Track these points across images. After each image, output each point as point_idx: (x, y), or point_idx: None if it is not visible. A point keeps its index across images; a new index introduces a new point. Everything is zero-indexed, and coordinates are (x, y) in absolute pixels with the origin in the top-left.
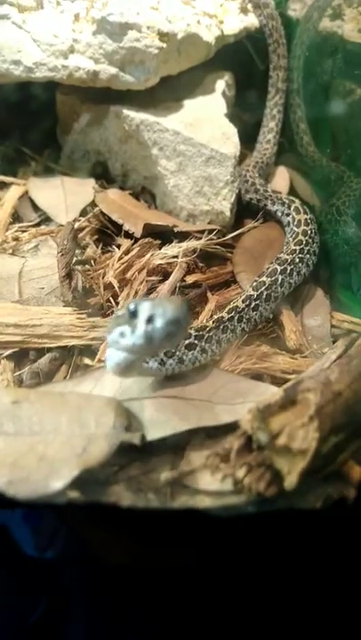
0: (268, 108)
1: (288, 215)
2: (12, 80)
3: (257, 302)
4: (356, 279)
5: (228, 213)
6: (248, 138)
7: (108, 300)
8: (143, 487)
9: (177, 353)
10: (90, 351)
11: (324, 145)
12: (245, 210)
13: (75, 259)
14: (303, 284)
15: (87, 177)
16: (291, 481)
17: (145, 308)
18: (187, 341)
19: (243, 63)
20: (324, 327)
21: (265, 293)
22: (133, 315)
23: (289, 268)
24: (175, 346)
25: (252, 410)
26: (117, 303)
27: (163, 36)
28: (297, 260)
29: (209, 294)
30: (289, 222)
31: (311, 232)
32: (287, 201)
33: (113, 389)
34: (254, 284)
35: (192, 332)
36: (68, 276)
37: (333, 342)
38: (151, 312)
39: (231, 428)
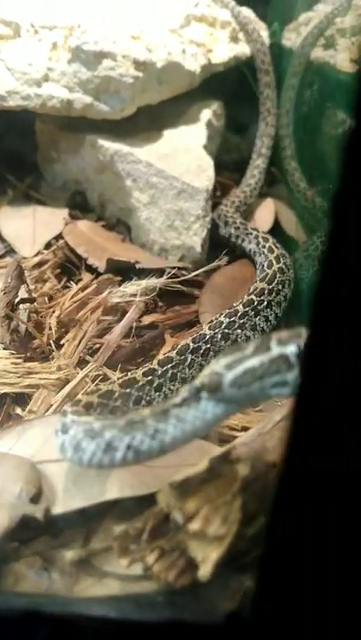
0: (249, 169)
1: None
2: None
3: (160, 381)
4: None
5: (198, 249)
6: (243, 165)
7: (49, 344)
8: (48, 566)
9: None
10: (23, 400)
11: (307, 177)
12: (220, 246)
13: (20, 297)
14: (276, 328)
15: (67, 206)
16: (205, 571)
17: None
18: None
19: (242, 91)
20: None
21: (170, 372)
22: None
23: (204, 347)
24: None
25: (168, 485)
26: (61, 346)
27: (139, 64)
28: (219, 336)
29: (168, 336)
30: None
31: (260, 303)
32: (264, 260)
33: (34, 448)
34: (160, 358)
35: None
36: (8, 316)
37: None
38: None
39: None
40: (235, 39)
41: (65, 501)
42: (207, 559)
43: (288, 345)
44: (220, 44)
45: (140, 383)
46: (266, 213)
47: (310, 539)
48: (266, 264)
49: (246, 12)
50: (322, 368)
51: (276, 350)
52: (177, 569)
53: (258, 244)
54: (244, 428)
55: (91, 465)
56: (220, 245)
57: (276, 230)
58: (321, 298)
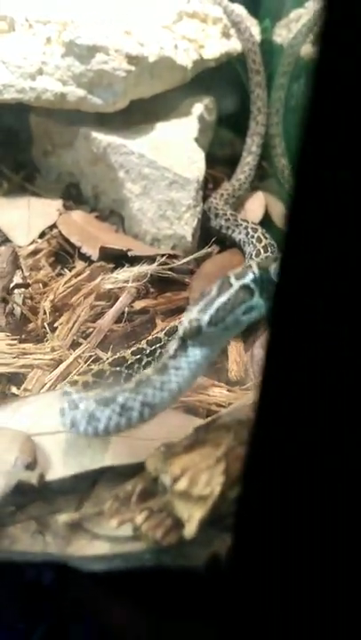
0: (239, 165)
1: None
2: None
3: (149, 359)
4: None
5: (189, 238)
6: (237, 160)
7: (44, 327)
8: (43, 530)
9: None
10: (18, 379)
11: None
12: (211, 237)
13: (14, 282)
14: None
15: (62, 198)
16: (190, 529)
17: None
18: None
19: (235, 87)
20: None
21: (158, 351)
22: (264, 280)
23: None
24: None
25: (156, 449)
26: (55, 329)
27: (131, 58)
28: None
29: (158, 321)
30: None
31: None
32: (253, 249)
33: (30, 422)
34: (149, 338)
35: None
36: (4, 300)
37: None
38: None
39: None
40: (226, 35)
41: (59, 469)
42: (192, 518)
43: (245, 276)
44: (211, 39)
45: (130, 362)
46: (257, 206)
47: (282, 494)
48: (254, 253)
49: (238, 10)
50: (287, 337)
51: (236, 284)
52: (164, 528)
53: (247, 234)
54: (231, 405)
55: (108, 431)
56: (211, 237)
57: (267, 222)
58: (285, 267)
